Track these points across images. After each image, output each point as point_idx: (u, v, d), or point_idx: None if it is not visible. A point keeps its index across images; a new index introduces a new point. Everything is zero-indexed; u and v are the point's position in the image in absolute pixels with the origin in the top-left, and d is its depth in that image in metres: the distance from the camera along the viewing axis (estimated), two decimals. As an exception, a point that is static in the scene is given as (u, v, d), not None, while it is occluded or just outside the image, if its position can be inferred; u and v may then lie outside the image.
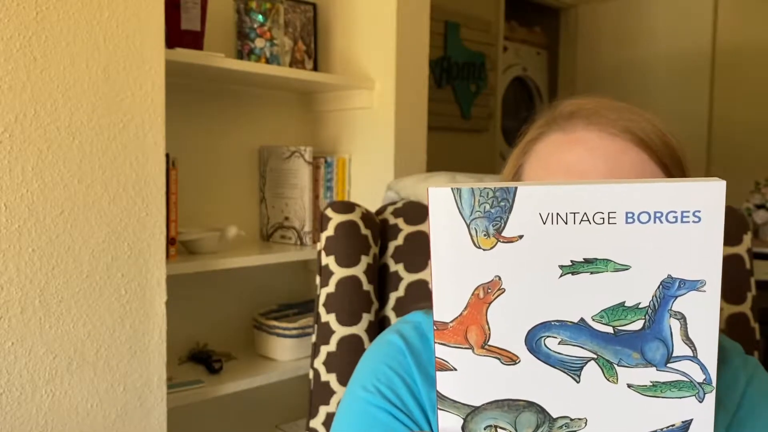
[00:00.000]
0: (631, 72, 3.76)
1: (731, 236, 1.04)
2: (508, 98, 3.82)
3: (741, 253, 1.04)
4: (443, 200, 0.42)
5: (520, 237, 0.42)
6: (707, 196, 0.40)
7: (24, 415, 1.14)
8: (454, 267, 0.43)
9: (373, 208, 1.10)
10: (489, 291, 0.42)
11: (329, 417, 0.98)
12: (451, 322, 0.44)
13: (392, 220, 1.08)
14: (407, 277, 1.04)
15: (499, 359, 0.44)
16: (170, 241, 1.50)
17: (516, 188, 0.41)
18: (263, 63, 1.73)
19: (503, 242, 0.42)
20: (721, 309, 1.02)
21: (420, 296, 1.03)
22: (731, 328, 1.01)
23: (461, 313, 0.43)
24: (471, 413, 0.45)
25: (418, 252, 1.05)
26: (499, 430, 0.45)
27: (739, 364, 0.69)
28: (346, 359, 0.98)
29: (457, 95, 3.45)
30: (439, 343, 0.44)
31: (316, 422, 0.99)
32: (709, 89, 3.54)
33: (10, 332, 1.12)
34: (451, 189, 0.42)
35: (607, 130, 0.62)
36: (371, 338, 1.00)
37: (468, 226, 0.42)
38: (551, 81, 4.18)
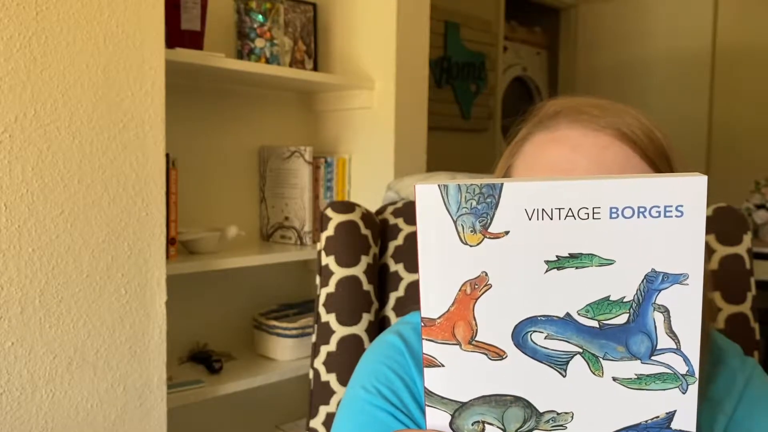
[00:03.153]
0: (631, 72, 3.76)
1: (731, 236, 1.03)
2: (508, 98, 3.82)
3: (741, 253, 1.03)
4: (430, 197, 0.42)
5: (506, 233, 0.42)
6: (689, 191, 0.40)
7: (24, 415, 1.14)
8: (441, 263, 0.43)
9: (373, 208, 1.10)
10: (476, 287, 0.43)
11: (329, 417, 0.98)
12: (439, 318, 0.44)
13: (392, 220, 1.08)
14: (407, 277, 1.04)
15: (486, 355, 0.44)
16: (170, 241, 1.51)
17: (502, 185, 0.42)
18: (263, 63, 1.73)
19: (489, 238, 0.42)
20: (721, 309, 1.02)
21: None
22: (731, 328, 1.01)
23: (448, 309, 0.44)
24: (459, 409, 0.45)
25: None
26: (486, 425, 0.45)
27: (737, 365, 0.68)
28: (346, 359, 0.98)
29: (457, 95, 3.45)
30: (426, 340, 0.44)
31: (316, 422, 0.99)
32: (709, 89, 3.54)
33: (10, 332, 1.12)
34: (438, 186, 0.42)
35: (590, 126, 0.62)
36: (371, 338, 1.00)
37: (455, 223, 0.42)
38: (551, 81, 4.18)
